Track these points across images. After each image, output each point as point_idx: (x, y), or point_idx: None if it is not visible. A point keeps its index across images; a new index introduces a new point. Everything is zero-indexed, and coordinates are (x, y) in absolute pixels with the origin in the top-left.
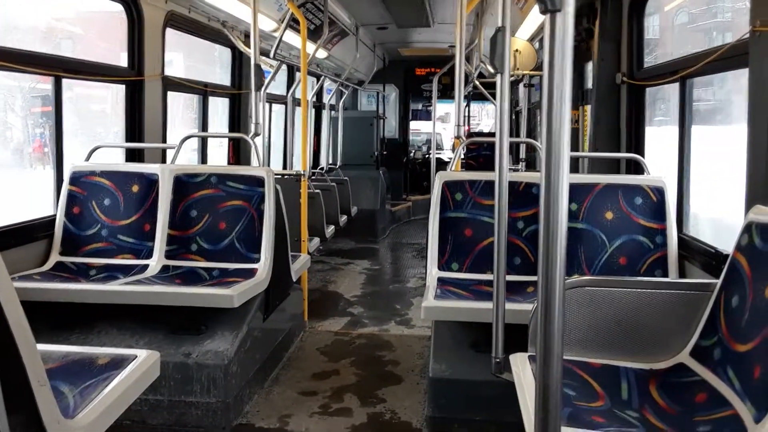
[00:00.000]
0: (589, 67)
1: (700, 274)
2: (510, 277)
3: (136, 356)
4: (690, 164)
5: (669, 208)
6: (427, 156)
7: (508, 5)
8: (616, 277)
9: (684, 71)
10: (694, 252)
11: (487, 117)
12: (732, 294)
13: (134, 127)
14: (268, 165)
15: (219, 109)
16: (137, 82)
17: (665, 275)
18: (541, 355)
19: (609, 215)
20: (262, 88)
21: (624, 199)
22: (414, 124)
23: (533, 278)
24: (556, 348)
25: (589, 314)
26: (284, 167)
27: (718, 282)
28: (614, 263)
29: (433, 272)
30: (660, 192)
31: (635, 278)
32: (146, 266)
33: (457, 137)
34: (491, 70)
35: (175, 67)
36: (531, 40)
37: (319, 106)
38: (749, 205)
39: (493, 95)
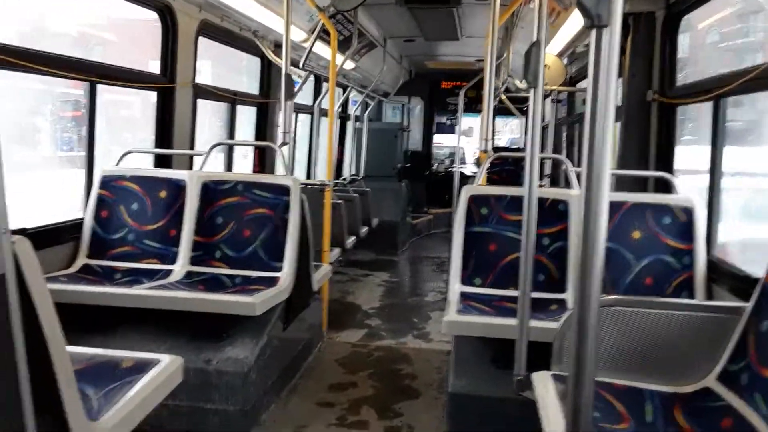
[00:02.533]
0: (620, 83)
1: (729, 297)
2: (534, 294)
3: (160, 361)
4: (721, 185)
5: (698, 228)
6: (449, 169)
7: (544, 19)
8: (644, 297)
9: (718, 90)
10: (722, 275)
11: (510, 132)
12: (763, 318)
13: (164, 134)
14: (293, 174)
15: (244, 118)
16: (169, 89)
17: (692, 297)
18: (574, 375)
19: (636, 234)
20: (292, 98)
21: (652, 218)
22: (438, 137)
23: (557, 296)
24: (588, 368)
25: (615, 335)
26: (308, 177)
27: (749, 306)
28: (640, 283)
29: (456, 287)
30: (689, 212)
31: (665, 299)
32: (170, 271)
33: (484, 151)
34: (519, 84)
35: (203, 75)
36: (560, 55)
37: (344, 117)
38: None
39: (519, 110)
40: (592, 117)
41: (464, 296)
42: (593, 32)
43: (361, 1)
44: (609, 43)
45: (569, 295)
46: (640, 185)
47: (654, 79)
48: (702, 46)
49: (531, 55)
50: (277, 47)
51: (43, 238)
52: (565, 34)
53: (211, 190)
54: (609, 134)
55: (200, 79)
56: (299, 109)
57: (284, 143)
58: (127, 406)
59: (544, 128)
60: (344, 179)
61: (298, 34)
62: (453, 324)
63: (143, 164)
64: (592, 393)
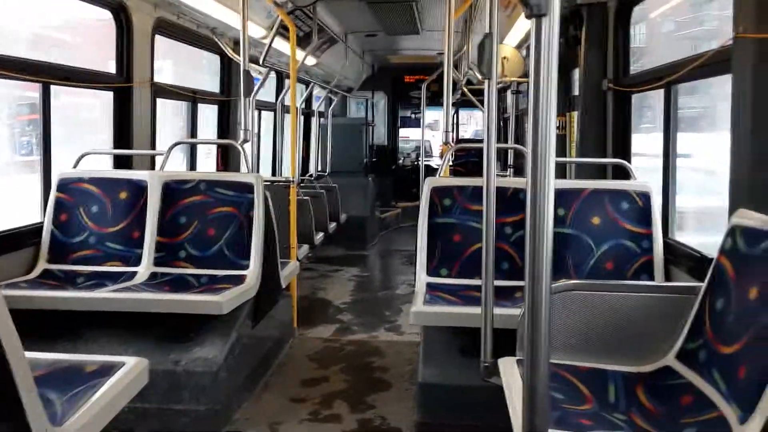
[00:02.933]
0: (576, 74)
1: (686, 278)
2: (498, 283)
3: (125, 363)
4: (675, 170)
5: (655, 213)
6: (415, 163)
7: (495, 12)
8: (602, 281)
9: (669, 77)
10: (679, 256)
11: (476, 125)
12: (717, 297)
13: (123, 134)
14: (257, 172)
15: (207, 116)
16: (126, 89)
17: (652, 280)
18: (529, 358)
19: (596, 220)
20: (252, 95)
21: (611, 204)
22: (403, 131)
23: (521, 283)
24: (542, 351)
25: (576, 318)
26: (273, 174)
27: (703, 285)
28: (601, 268)
29: (422, 278)
30: (646, 197)
31: (621, 282)
32: (134, 273)
33: (446, 143)
34: (479, 77)
35: (164, 74)
36: (519, 47)
37: (308, 113)
38: (732, 209)
39: (481, 102)
40: (535, 106)
41: (431, 287)
42: (533, 21)
43: None
44: (549, 32)
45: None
46: (600, 172)
47: (609, 69)
48: (657, 35)
49: (485, 47)
50: (237, 44)
51: (1, 244)
52: (523, 25)
53: (173, 190)
54: (552, 123)
55: (161, 79)
56: (262, 106)
57: (245, 141)
58: (91, 409)
59: (506, 119)
60: (311, 175)
61: (256, 31)
62: (420, 315)
63: (104, 166)
64: (547, 376)
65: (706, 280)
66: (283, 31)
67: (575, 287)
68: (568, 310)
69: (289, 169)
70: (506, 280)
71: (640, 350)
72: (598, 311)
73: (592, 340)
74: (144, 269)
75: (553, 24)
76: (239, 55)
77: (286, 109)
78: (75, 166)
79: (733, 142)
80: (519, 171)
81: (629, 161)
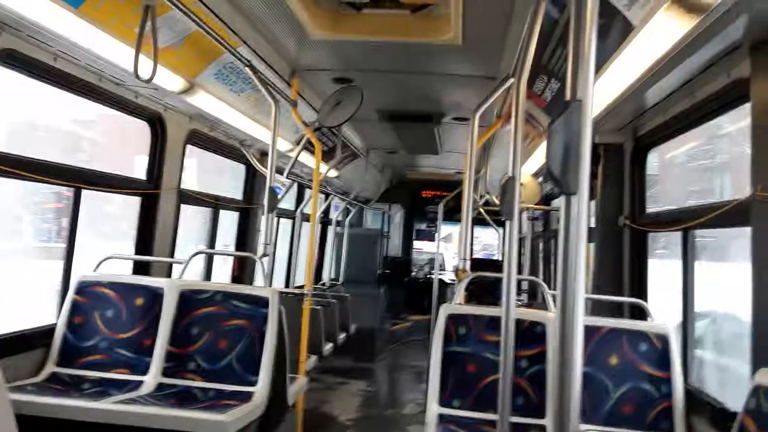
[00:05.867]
0: (593, 204)
1: (708, 429)
2: (513, 419)
3: None
4: (694, 314)
5: (674, 357)
6: (429, 276)
7: (519, 156)
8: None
9: (687, 222)
10: (701, 405)
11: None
12: None
13: (145, 239)
14: (271, 283)
15: (226, 221)
16: (153, 195)
17: (671, 429)
18: None
19: (614, 360)
20: (274, 209)
21: (629, 344)
22: (417, 244)
23: (536, 421)
24: None
25: None
26: (287, 284)
27: None
28: (619, 412)
29: (433, 408)
30: (664, 340)
31: None
32: (141, 383)
33: (463, 270)
34: (496, 200)
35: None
36: (536, 175)
37: (325, 222)
38: (755, 365)
39: (497, 222)
40: (564, 278)
41: (442, 418)
42: (564, 198)
43: (346, 119)
44: (578, 208)
45: (549, 421)
46: (617, 309)
47: (625, 205)
48: (671, 165)
49: (507, 189)
50: (263, 155)
51: (13, 345)
52: (541, 156)
53: (188, 299)
54: (580, 290)
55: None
56: (281, 213)
57: (264, 254)
58: None
59: (521, 240)
60: (323, 284)
61: (283, 145)
62: None
63: (123, 268)
64: None
65: None
66: (308, 146)
67: None
68: None
69: (303, 278)
70: (521, 416)
71: None
72: None
73: None
74: (151, 379)
75: (581, 202)
76: (265, 166)
77: (304, 218)
78: (96, 269)
79: (755, 298)
80: (533, 295)
81: (646, 300)
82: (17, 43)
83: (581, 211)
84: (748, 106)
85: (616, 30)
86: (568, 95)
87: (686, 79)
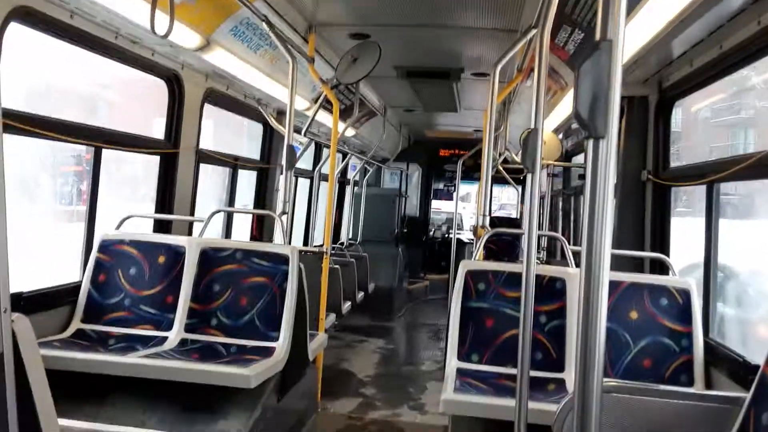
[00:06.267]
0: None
1: (727, 382)
2: (531, 373)
3: None
4: (716, 269)
5: (695, 311)
6: (446, 235)
7: (541, 107)
8: (646, 384)
9: (712, 175)
10: (720, 359)
11: (506, 198)
12: (762, 411)
13: (165, 198)
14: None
15: (244, 180)
16: (172, 155)
17: (691, 381)
18: None
19: (634, 315)
20: (293, 168)
21: (649, 299)
22: (435, 203)
23: (555, 375)
24: None
25: (614, 421)
26: (305, 242)
27: (748, 397)
28: (638, 366)
29: (453, 363)
30: (686, 294)
31: (667, 387)
32: (165, 338)
33: (482, 226)
34: (515, 158)
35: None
36: (556, 131)
37: (343, 182)
38: None
39: (516, 180)
40: (590, 225)
41: (461, 372)
42: (590, 142)
43: (364, 75)
44: (606, 153)
45: (568, 375)
46: (637, 263)
47: (648, 160)
48: (695, 121)
49: (528, 141)
50: (280, 114)
51: (39, 302)
52: (562, 111)
53: (209, 257)
54: (608, 241)
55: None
56: (299, 173)
57: (284, 212)
58: None
59: (540, 199)
60: (341, 243)
61: (301, 103)
62: (450, 403)
63: (144, 227)
64: None
65: (751, 392)
66: (326, 104)
67: (617, 389)
68: (607, 412)
69: (322, 238)
70: (539, 371)
71: None
72: (636, 416)
73: None
74: (175, 335)
75: (610, 146)
76: (282, 125)
77: (322, 177)
78: (118, 228)
79: None
80: (551, 253)
81: (668, 255)
82: (33, 0)
83: (610, 157)
84: None
85: None
86: (597, 35)
87: (714, 27)
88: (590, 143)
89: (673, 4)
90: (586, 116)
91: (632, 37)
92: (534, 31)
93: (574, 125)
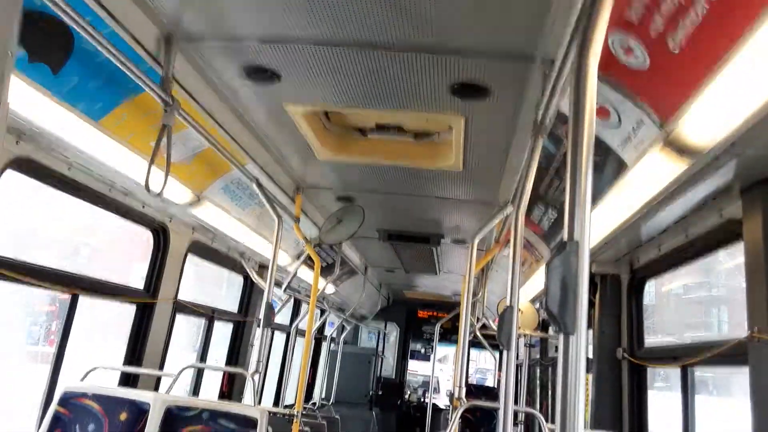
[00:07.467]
0: (590, 334)
1: None
2: None
3: None
4: None
5: None
6: (422, 400)
7: (516, 284)
8: None
9: (686, 360)
10: None
11: (484, 362)
12: None
13: (136, 348)
14: (260, 401)
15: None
16: (149, 304)
17: None
18: None
19: None
20: (271, 326)
21: None
22: (412, 364)
23: None
24: None
25: None
26: (276, 401)
27: None
28: None
29: None
30: None
31: None
32: None
33: (458, 398)
34: (493, 326)
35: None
36: (533, 300)
37: (319, 338)
38: None
39: (493, 346)
40: (562, 419)
41: None
42: (562, 337)
43: (347, 237)
44: (576, 348)
45: None
46: None
47: (623, 336)
48: (667, 296)
49: (504, 319)
50: (262, 267)
51: None
52: (538, 282)
53: (174, 416)
54: (580, 414)
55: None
56: (275, 327)
57: (256, 371)
58: None
59: (517, 367)
60: (314, 404)
61: (284, 259)
62: None
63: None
64: None
65: None
66: (308, 261)
67: None
68: None
69: (293, 396)
70: None
71: None
72: None
73: None
74: None
75: (580, 343)
76: (264, 279)
77: (299, 333)
78: (82, 380)
79: None
80: (529, 428)
81: None
82: (33, 151)
83: (580, 351)
84: (741, 244)
85: (610, 167)
86: (565, 236)
87: (680, 216)
88: (561, 337)
89: (639, 195)
90: (557, 312)
91: (601, 221)
92: (511, 207)
93: None
